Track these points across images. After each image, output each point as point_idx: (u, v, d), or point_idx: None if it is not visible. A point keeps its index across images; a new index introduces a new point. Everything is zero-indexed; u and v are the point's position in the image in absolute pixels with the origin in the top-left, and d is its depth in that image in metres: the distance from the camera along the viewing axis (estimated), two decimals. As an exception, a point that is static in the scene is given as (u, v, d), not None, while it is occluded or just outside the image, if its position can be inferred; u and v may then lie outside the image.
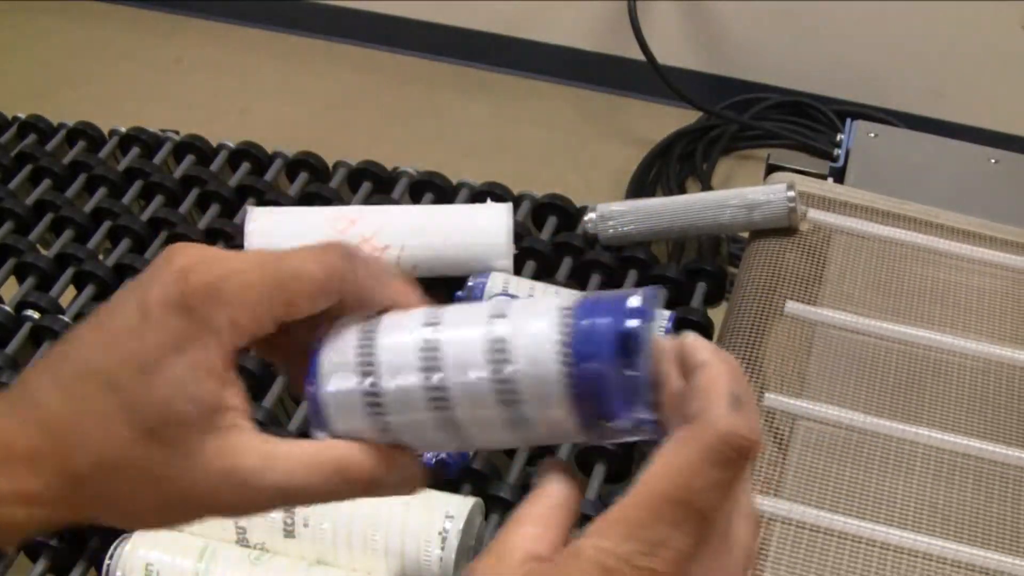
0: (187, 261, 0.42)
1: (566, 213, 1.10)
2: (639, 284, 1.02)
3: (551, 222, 1.10)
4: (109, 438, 0.42)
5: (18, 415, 0.43)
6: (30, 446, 0.42)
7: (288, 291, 0.43)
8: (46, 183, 1.18)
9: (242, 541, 0.80)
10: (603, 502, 0.85)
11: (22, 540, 0.44)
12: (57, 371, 0.43)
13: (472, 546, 0.81)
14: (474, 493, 0.85)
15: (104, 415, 0.42)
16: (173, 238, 1.09)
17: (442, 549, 0.77)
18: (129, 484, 0.43)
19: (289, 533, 0.79)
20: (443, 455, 0.86)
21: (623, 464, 0.89)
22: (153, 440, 0.42)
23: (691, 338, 0.42)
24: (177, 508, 0.44)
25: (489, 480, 0.86)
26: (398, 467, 0.44)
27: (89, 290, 1.05)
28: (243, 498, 0.43)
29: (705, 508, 0.39)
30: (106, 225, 1.11)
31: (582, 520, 0.42)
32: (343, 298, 0.44)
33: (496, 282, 0.96)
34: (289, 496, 0.43)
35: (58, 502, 0.43)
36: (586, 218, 1.04)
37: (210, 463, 0.42)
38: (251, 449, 0.42)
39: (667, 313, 0.95)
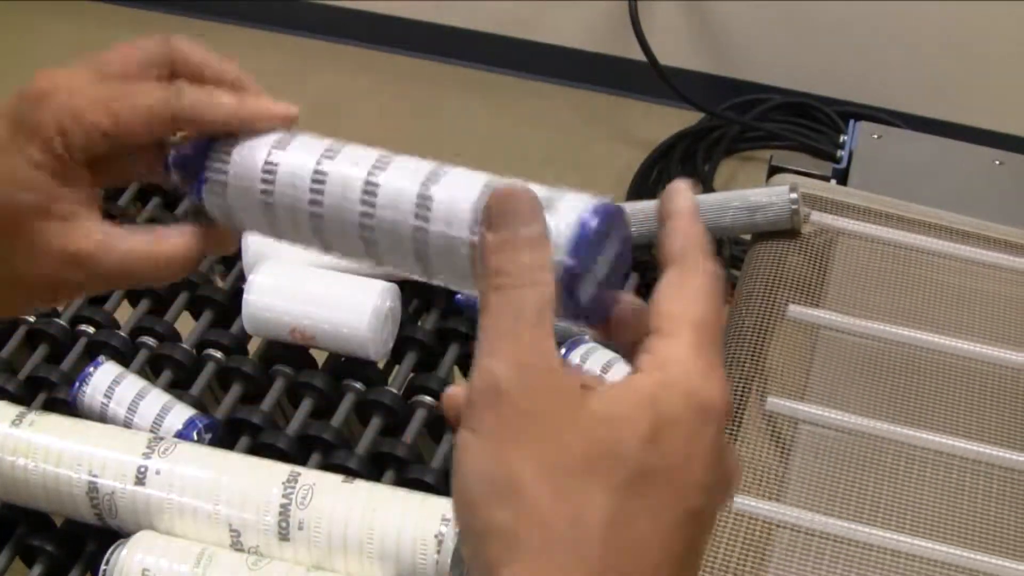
0: (36, 78, 0.50)
1: (566, 215, 1.09)
2: (640, 287, 1.02)
3: (551, 224, 1.08)
4: None
5: None
6: None
7: (114, 106, 0.48)
8: (41, 184, 1.16)
9: (236, 544, 0.80)
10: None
11: None
12: None
13: (470, 552, 0.80)
14: (472, 498, 0.85)
15: None
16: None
17: (438, 553, 0.77)
18: None
19: (284, 537, 0.79)
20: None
21: None
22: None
23: (676, 183, 0.46)
24: (24, 290, 0.50)
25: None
26: (216, 246, 0.52)
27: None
28: (86, 278, 0.50)
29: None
30: (102, 227, 1.10)
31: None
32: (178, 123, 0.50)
33: (495, 284, 0.96)
34: (125, 278, 0.51)
35: None
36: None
37: (51, 248, 0.48)
38: (91, 232, 0.49)
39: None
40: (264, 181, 0.49)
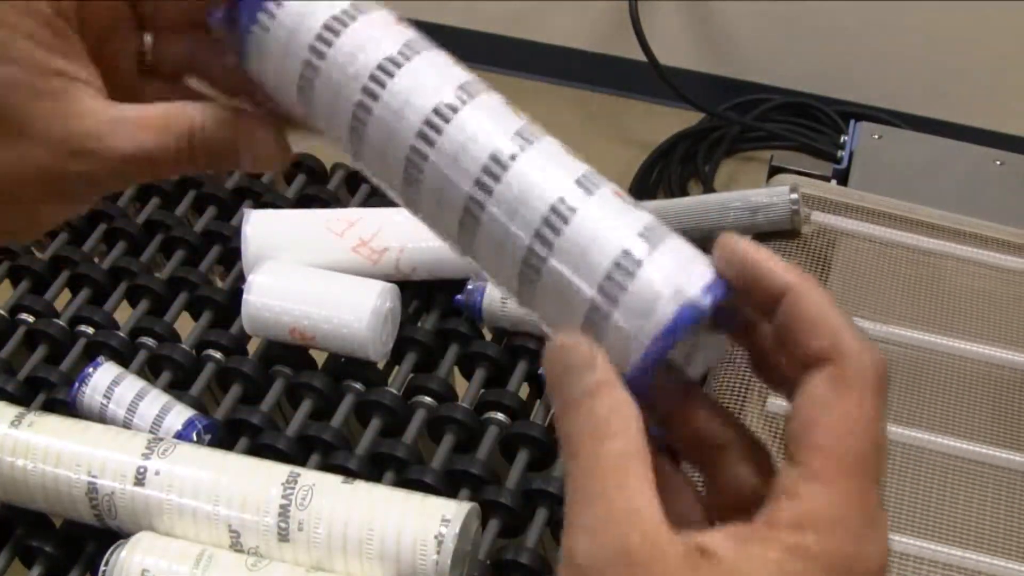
0: None
1: (566, 215, 1.09)
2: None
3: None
4: None
5: None
6: None
7: None
8: (40, 185, 1.16)
9: (236, 545, 0.80)
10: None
11: None
12: None
13: (469, 551, 0.80)
14: (471, 498, 0.85)
15: None
16: (169, 241, 1.08)
17: (438, 554, 0.77)
18: None
19: (283, 537, 0.79)
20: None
21: None
22: None
23: (760, 254, 0.37)
24: (19, 191, 0.40)
25: (487, 485, 0.85)
26: (254, 142, 0.41)
27: (84, 293, 1.04)
28: (87, 167, 0.39)
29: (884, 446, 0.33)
30: (101, 228, 1.11)
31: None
32: None
33: (495, 285, 0.96)
34: (136, 163, 0.40)
35: None
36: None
37: (46, 130, 0.39)
38: (92, 112, 0.40)
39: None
40: (315, 50, 0.40)
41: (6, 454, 0.82)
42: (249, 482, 0.80)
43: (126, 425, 0.88)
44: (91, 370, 0.90)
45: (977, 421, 0.84)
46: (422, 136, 0.38)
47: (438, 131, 0.38)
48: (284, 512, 0.78)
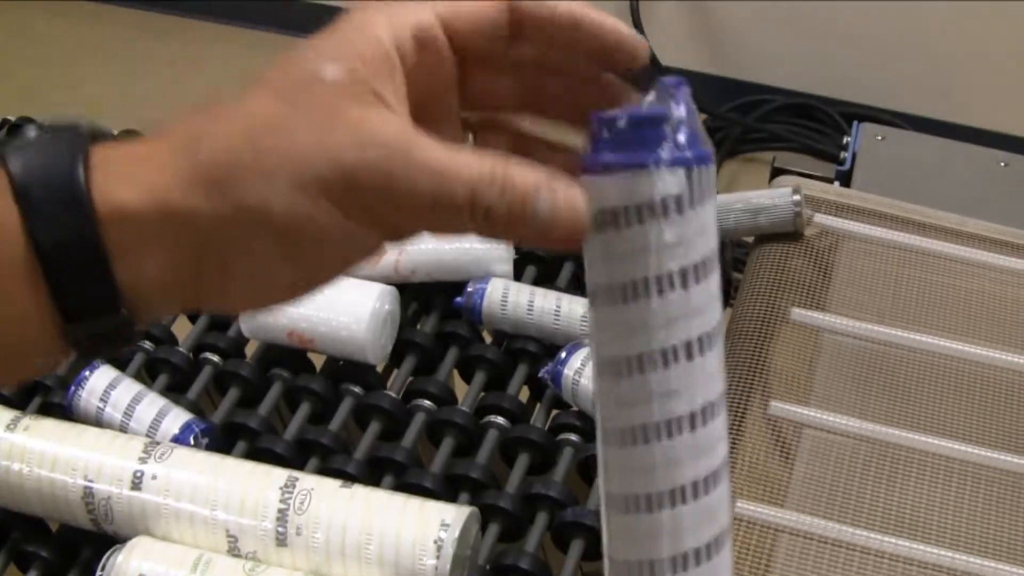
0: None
1: (567, 217, 1.08)
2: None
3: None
4: (242, 99, 0.40)
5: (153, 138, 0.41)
6: (158, 145, 0.40)
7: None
8: (37, 186, 1.16)
9: (234, 550, 0.79)
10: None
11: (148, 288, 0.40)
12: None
13: (468, 555, 0.80)
14: (471, 502, 0.85)
15: (246, 92, 0.40)
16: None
17: (437, 558, 0.76)
18: (257, 143, 0.39)
19: (281, 542, 0.78)
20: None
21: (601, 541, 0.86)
22: (290, 102, 0.39)
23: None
24: (303, 178, 0.39)
25: (486, 489, 0.85)
26: (560, 186, 0.39)
27: (81, 295, 1.04)
28: (381, 154, 0.38)
29: None
30: (98, 229, 1.10)
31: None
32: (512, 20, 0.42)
33: (496, 287, 0.96)
34: (443, 179, 0.38)
35: (179, 172, 0.39)
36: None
37: (348, 125, 0.39)
38: (400, 124, 0.39)
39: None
40: None
41: (2, 458, 0.81)
42: (247, 486, 0.79)
43: (123, 429, 0.88)
44: (87, 373, 0.90)
45: (981, 424, 0.84)
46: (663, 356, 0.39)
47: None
48: (282, 516, 0.78)
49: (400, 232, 0.41)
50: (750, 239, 1.01)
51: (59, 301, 0.39)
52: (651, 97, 0.39)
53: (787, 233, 0.96)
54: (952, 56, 2.18)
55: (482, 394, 0.94)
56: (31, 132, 0.41)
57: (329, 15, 0.42)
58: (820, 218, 0.98)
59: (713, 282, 0.39)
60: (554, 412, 0.94)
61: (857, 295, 0.93)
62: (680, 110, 0.38)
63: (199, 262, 0.40)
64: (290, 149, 0.39)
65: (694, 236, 0.38)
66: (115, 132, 1.21)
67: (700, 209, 0.38)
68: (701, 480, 0.39)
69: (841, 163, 1.11)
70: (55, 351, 0.40)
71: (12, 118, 1.25)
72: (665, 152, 0.37)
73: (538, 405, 0.95)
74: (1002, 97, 2.19)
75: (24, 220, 0.38)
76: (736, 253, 1.47)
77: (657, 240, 0.38)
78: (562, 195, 0.38)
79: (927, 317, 0.91)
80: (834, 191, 1.02)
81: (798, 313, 0.91)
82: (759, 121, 2.26)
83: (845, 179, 1.09)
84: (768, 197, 0.96)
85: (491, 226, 0.39)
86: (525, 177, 0.39)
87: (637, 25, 2.15)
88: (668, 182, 0.37)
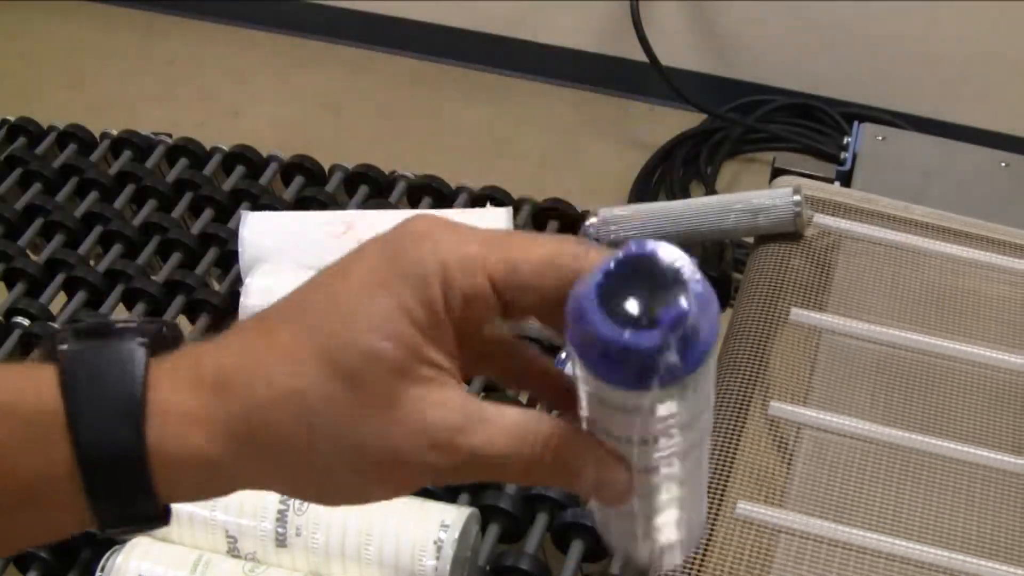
0: (415, 220, 0.40)
1: (567, 218, 1.09)
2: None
3: (552, 227, 1.09)
4: (296, 372, 0.39)
5: (200, 360, 0.40)
6: (207, 379, 0.40)
7: (510, 252, 0.39)
8: (36, 187, 1.16)
9: (233, 551, 0.79)
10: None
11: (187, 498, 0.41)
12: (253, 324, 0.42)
13: (468, 556, 0.80)
14: (471, 503, 0.84)
15: (293, 349, 0.39)
16: (166, 243, 1.08)
17: (437, 559, 0.76)
18: (312, 429, 0.39)
19: (281, 543, 0.78)
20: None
21: (601, 542, 0.86)
22: (345, 380, 0.38)
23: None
24: (358, 465, 0.39)
25: (486, 490, 0.85)
26: (608, 470, 0.40)
27: (80, 296, 1.04)
28: (434, 459, 0.39)
29: None
30: (97, 230, 1.10)
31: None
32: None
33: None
34: (482, 463, 0.39)
35: (231, 441, 0.39)
36: (588, 223, 1.03)
37: (408, 414, 0.38)
38: (454, 405, 0.39)
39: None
40: None
41: (0, 459, 0.81)
42: (246, 487, 0.79)
43: (122, 429, 0.87)
44: (87, 374, 0.90)
45: (981, 425, 0.84)
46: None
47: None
48: (282, 517, 0.78)
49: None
50: (750, 239, 1.00)
51: (99, 516, 0.40)
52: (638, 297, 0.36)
53: (787, 233, 0.96)
54: (953, 56, 2.18)
55: (482, 394, 0.94)
56: (87, 330, 0.41)
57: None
58: (820, 218, 0.98)
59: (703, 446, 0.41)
60: (555, 413, 0.93)
61: (857, 295, 0.93)
62: (680, 311, 0.35)
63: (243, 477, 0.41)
64: (348, 441, 0.39)
65: (689, 421, 0.38)
66: (114, 132, 1.21)
67: (695, 394, 0.37)
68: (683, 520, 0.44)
69: (842, 163, 1.11)
70: (82, 528, 0.41)
71: (12, 118, 1.25)
72: (656, 383, 0.35)
73: (539, 406, 0.94)
74: (1003, 97, 2.18)
75: (75, 447, 0.38)
76: (736, 254, 1.47)
77: (646, 423, 0.38)
78: (607, 477, 0.40)
79: (928, 317, 0.91)
80: (835, 191, 1.02)
81: (798, 313, 0.90)
82: (759, 121, 2.26)
83: (845, 179, 1.09)
84: (768, 197, 0.96)
85: (534, 479, 0.41)
86: (573, 437, 0.40)
87: (637, 25, 2.15)
88: (661, 404, 0.37)
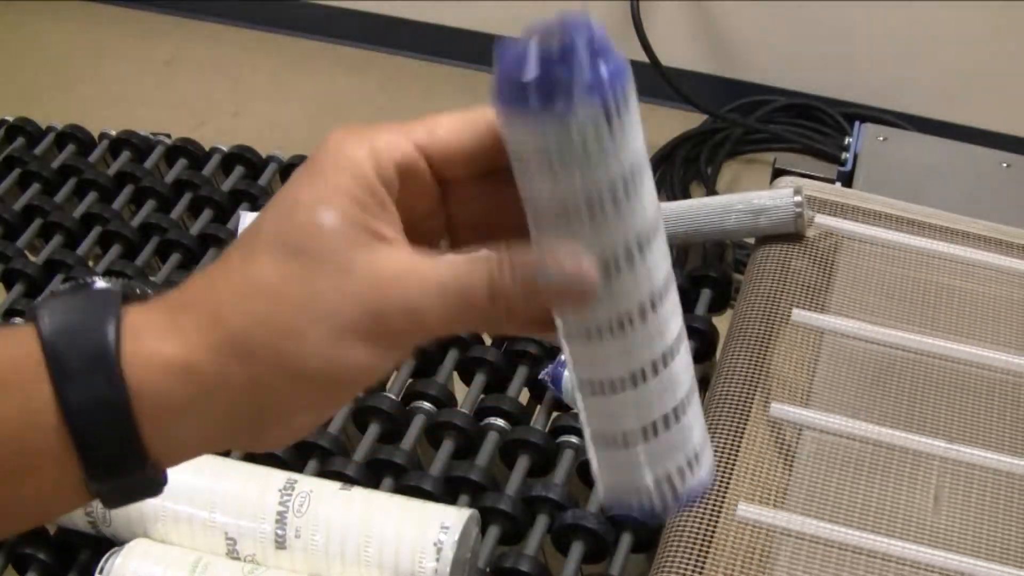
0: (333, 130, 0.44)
1: (567, 218, 1.08)
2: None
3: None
4: (252, 268, 0.41)
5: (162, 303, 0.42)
6: (174, 303, 0.41)
7: (426, 123, 0.43)
8: (34, 188, 1.16)
9: (232, 553, 0.79)
10: (604, 514, 0.84)
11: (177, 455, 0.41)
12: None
13: (468, 558, 0.80)
14: (471, 504, 0.84)
15: (247, 254, 0.41)
16: (164, 244, 1.08)
17: (437, 561, 0.76)
18: (281, 309, 0.40)
19: (280, 545, 0.78)
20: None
21: (601, 543, 0.86)
22: (299, 256, 0.40)
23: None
24: (334, 331, 0.40)
25: (486, 491, 0.85)
26: (562, 257, 0.41)
27: (79, 296, 1.03)
28: (404, 292, 0.40)
29: None
30: (96, 231, 1.10)
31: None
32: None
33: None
34: (454, 294, 0.41)
35: (205, 342, 0.40)
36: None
37: (365, 267, 0.40)
38: (405, 257, 0.41)
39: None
40: None
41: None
42: (246, 489, 0.79)
43: (121, 431, 0.87)
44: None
45: (983, 426, 0.84)
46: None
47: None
48: (281, 519, 0.78)
49: (432, 338, 0.42)
50: (751, 240, 1.00)
51: (87, 463, 0.40)
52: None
53: (788, 234, 0.96)
54: (954, 57, 2.17)
55: (482, 396, 0.94)
56: (65, 289, 0.42)
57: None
58: (821, 219, 0.98)
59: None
60: (554, 414, 0.93)
61: (859, 296, 0.92)
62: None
63: (229, 426, 0.41)
64: (315, 306, 0.40)
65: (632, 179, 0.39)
66: (113, 133, 1.21)
67: (623, 137, 0.39)
68: (659, 358, 0.41)
69: (843, 164, 1.11)
70: (78, 502, 0.41)
71: (10, 118, 1.25)
72: (560, 99, 0.37)
73: (538, 407, 0.94)
74: (1004, 98, 2.18)
75: (53, 383, 0.39)
76: (737, 254, 1.47)
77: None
78: (561, 253, 0.40)
79: (929, 318, 0.91)
80: (836, 192, 1.01)
81: (799, 314, 0.90)
82: (760, 122, 2.26)
83: (847, 180, 1.09)
84: (769, 198, 0.96)
85: (511, 311, 0.41)
86: (525, 255, 0.41)
87: (637, 25, 2.14)
88: (583, 137, 0.38)
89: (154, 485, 0.41)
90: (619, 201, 0.39)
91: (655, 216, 0.41)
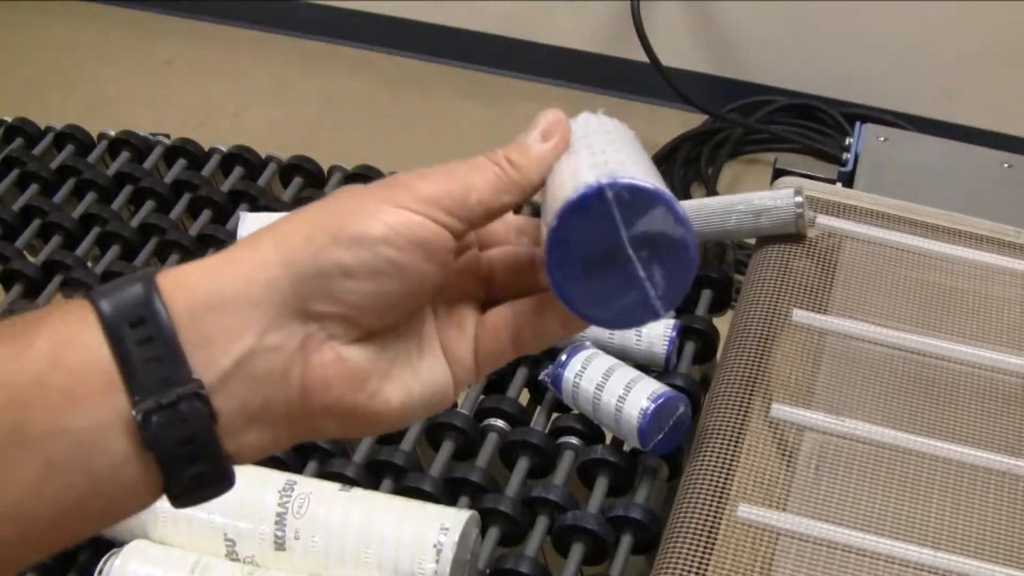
0: None
1: (567, 218, 1.08)
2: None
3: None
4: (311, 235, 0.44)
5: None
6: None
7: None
8: (33, 188, 1.16)
9: (232, 554, 0.79)
10: (604, 515, 0.83)
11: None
12: None
13: (468, 560, 0.79)
14: (471, 506, 0.84)
15: (308, 225, 0.44)
16: (163, 245, 1.08)
17: (436, 562, 0.76)
18: (336, 226, 0.43)
19: (280, 546, 0.78)
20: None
21: (625, 477, 0.87)
22: (343, 200, 0.45)
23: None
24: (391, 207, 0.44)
25: (486, 492, 0.85)
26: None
27: (78, 297, 1.03)
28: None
29: None
30: (95, 231, 1.10)
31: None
32: None
33: (495, 289, 0.95)
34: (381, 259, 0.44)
35: (282, 311, 0.43)
36: (588, 223, 1.02)
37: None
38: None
39: (671, 321, 0.94)
40: None
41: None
42: (245, 490, 0.79)
43: (120, 432, 0.87)
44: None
45: (985, 427, 0.83)
46: None
47: None
48: (281, 520, 0.78)
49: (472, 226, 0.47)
50: (752, 240, 1.00)
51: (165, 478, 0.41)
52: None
53: (789, 234, 0.96)
54: (955, 57, 2.17)
55: (482, 397, 0.94)
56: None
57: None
58: (822, 219, 0.97)
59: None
60: (554, 415, 0.93)
61: (859, 297, 0.92)
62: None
63: (292, 431, 0.45)
64: (357, 209, 0.44)
65: None
66: (112, 133, 1.21)
67: None
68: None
69: (843, 164, 1.10)
70: (150, 500, 0.42)
71: (9, 119, 1.25)
72: None
73: (538, 408, 0.94)
74: (1005, 98, 2.18)
75: (127, 388, 0.41)
76: (738, 255, 1.46)
77: None
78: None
79: (930, 319, 0.91)
80: (836, 192, 1.01)
81: (800, 315, 0.90)
82: (761, 122, 2.26)
83: (847, 180, 1.09)
84: (770, 198, 0.96)
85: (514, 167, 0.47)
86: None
87: (638, 25, 2.14)
88: None
89: (225, 474, 0.43)
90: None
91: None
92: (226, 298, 0.42)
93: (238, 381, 0.42)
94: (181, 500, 0.42)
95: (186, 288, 0.42)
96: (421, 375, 0.47)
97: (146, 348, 0.40)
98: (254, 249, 0.43)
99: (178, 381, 0.40)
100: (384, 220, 0.43)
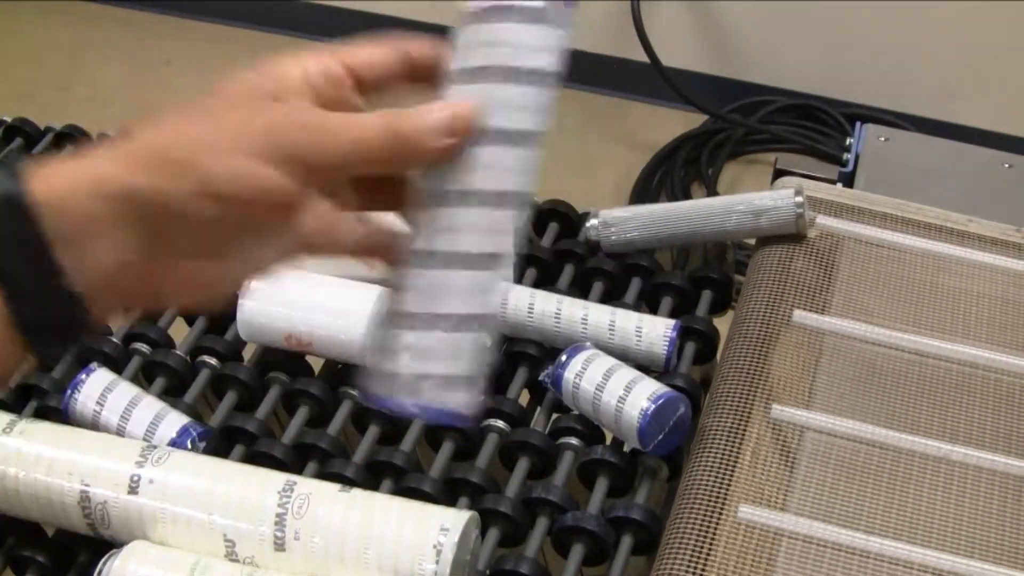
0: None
1: (567, 219, 1.08)
2: (643, 292, 1.00)
3: (552, 228, 1.08)
4: (172, 119, 0.46)
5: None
6: (91, 151, 0.45)
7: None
8: (34, 188, 1.15)
9: (231, 555, 0.79)
10: (604, 516, 0.83)
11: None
12: None
13: (467, 560, 0.79)
14: (471, 506, 0.84)
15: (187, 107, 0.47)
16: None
17: (436, 563, 0.76)
18: (201, 138, 0.45)
19: (279, 547, 0.78)
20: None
21: (625, 478, 0.87)
22: (219, 107, 0.47)
23: None
24: (248, 146, 0.45)
25: (486, 493, 0.85)
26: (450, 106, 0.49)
27: (78, 297, 1.03)
28: (318, 122, 0.47)
29: None
30: (95, 231, 1.09)
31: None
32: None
33: (495, 289, 0.95)
34: (360, 149, 0.47)
35: (124, 172, 0.44)
36: (588, 224, 1.02)
37: (279, 107, 0.47)
38: (304, 108, 0.48)
39: (671, 322, 0.94)
40: None
41: (-3, 462, 0.81)
42: (245, 491, 0.79)
43: (119, 433, 0.87)
44: (84, 377, 0.89)
45: (984, 428, 0.83)
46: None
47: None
48: (280, 521, 0.77)
49: (328, 180, 0.48)
50: (752, 241, 1.00)
51: (6, 290, 0.42)
52: None
53: (789, 235, 0.96)
54: (956, 57, 2.17)
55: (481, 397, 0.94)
56: None
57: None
58: (823, 219, 0.97)
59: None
60: (554, 416, 0.93)
61: (860, 297, 0.92)
62: None
63: (141, 246, 0.45)
64: (224, 125, 0.45)
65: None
66: (111, 133, 1.21)
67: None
68: (477, 257, 0.48)
69: (844, 164, 1.10)
70: (6, 348, 0.43)
71: (8, 119, 1.24)
72: None
73: (538, 409, 0.94)
74: (1006, 98, 2.18)
75: None
76: (738, 255, 1.47)
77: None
78: (449, 102, 0.49)
79: (931, 319, 0.91)
80: (837, 192, 1.01)
81: (800, 315, 0.90)
82: (761, 122, 2.26)
83: (848, 180, 1.09)
84: (770, 198, 0.96)
85: (405, 145, 0.48)
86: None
87: (638, 25, 2.14)
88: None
89: (80, 315, 0.44)
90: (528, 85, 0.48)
91: (537, 136, 0.50)
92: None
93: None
94: (37, 334, 0.43)
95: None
96: None
97: None
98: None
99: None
100: (229, 168, 0.45)
